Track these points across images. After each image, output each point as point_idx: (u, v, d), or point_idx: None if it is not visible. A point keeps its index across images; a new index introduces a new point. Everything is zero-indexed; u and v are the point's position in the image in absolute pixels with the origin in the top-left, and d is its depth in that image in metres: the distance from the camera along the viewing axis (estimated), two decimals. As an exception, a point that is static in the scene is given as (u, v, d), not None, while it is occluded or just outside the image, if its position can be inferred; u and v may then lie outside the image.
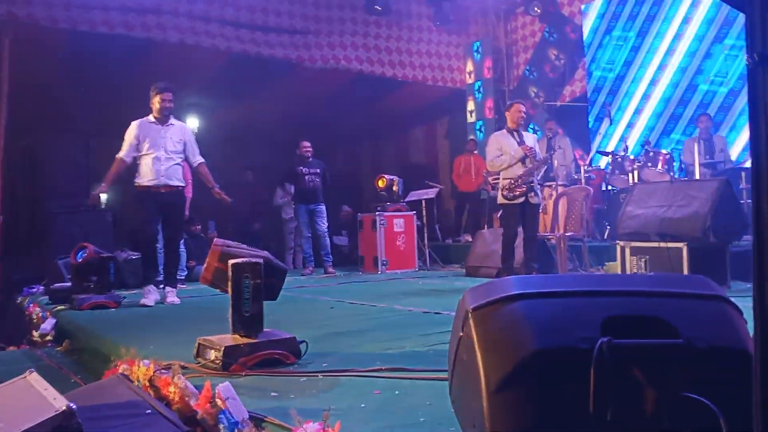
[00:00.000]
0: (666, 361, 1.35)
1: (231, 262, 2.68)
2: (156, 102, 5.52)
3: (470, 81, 11.64)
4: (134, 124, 5.56)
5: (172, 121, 5.65)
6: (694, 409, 1.30)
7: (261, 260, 2.66)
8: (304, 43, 9.90)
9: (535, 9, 10.65)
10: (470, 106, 11.67)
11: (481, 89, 11.47)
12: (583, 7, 10.39)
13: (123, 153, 5.50)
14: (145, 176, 5.48)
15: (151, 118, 5.58)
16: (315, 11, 10.11)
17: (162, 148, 5.48)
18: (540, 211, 6.43)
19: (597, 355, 1.30)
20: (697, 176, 7.18)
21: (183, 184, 5.71)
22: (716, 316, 1.43)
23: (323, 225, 8.32)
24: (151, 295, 5.43)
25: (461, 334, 1.52)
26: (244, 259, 2.68)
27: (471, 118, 11.65)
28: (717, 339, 1.38)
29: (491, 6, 11.74)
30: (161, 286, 5.71)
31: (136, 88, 9.26)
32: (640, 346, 1.35)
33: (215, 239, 3.06)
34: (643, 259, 5.27)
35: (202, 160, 5.74)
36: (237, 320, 2.72)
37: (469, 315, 1.47)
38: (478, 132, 11.44)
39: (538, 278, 1.61)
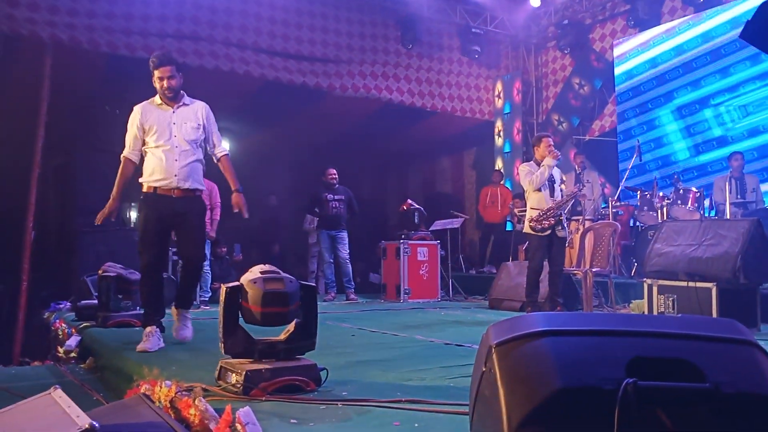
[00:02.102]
0: (692, 406, 1.32)
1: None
2: (155, 81, 4.17)
3: (499, 104, 11.72)
4: (136, 109, 4.21)
5: (186, 100, 4.27)
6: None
7: (235, 285, 2.82)
8: (336, 72, 10.06)
9: (566, 50, 10.78)
10: (498, 126, 11.74)
11: (510, 111, 11.55)
12: (614, 43, 10.41)
13: (127, 150, 4.21)
14: (152, 174, 4.15)
15: (156, 99, 4.24)
16: (348, 41, 10.29)
17: (173, 136, 4.15)
18: (566, 245, 6.38)
19: (622, 397, 1.28)
20: (728, 215, 7.07)
21: (202, 188, 4.36)
22: (745, 361, 1.41)
23: (345, 251, 8.34)
24: (151, 339, 4.11)
25: (484, 369, 1.51)
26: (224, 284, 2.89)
27: (499, 140, 11.71)
28: (745, 385, 1.35)
29: (522, 40, 11.83)
30: (170, 306, 4.45)
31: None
32: (666, 389, 1.33)
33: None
34: (670, 298, 5.18)
35: (226, 151, 4.40)
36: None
37: (493, 350, 1.46)
38: (505, 152, 11.52)
39: (563, 315, 1.59)
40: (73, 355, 4.95)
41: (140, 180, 4.21)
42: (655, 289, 5.33)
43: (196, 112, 4.26)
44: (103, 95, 8.84)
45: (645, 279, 5.52)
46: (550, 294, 6.08)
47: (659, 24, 9.62)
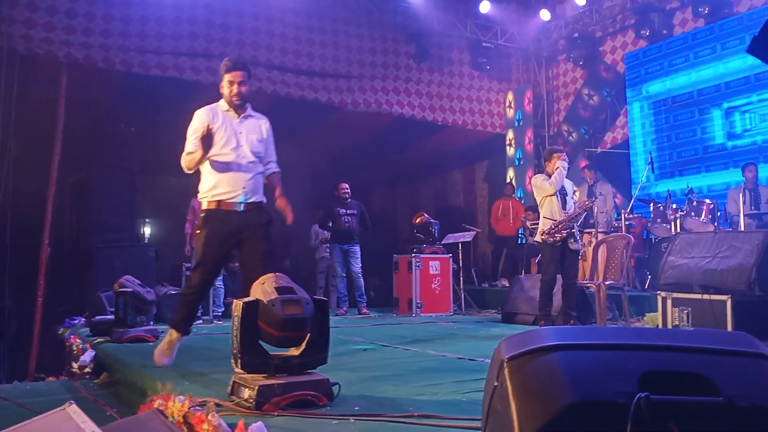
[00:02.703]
0: (706, 420, 1.32)
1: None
2: (224, 86, 3.94)
3: (510, 114, 11.77)
4: (201, 112, 3.93)
5: (250, 111, 4.04)
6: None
7: (252, 301, 2.80)
8: (347, 87, 10.14)
9: (580, 62, 10.79)
10: (509, 136, 11.78)
11: (522, 120, 11.59)
12: (625, 55, 10.41)
13: (193, 146, 3.83)
14: (216, 187, 3.87)
15: (222, 104, 3.99)
16: (359, 56, 10.37)
17: (240, 146, 3.89)
18: (579, 257, 6.35)
19: (635, 411, 1.28)
20: (742, 227, 7.01)
21: (264, 201, 4.03)
22: (758, 374, 1.40)
23: (357, 265, 8.36)
24: (174, 350, 4.05)
25: (496, 383, 1.51)
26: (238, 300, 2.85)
27: (510, 150, 11.74)
28: (759, 398, 1.34)
29: (532, 53, 11.86)
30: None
31: (183, 128, 9.63)
32: (679, 403, 1.32)
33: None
34: (685, 311, 5.14)
35: (278, 169, 4.16)
36: (232, 353, 2.88)
37: (505, 365, 1.46)
38: (516, 161, 11.54)
39: (575, 329, 1.59)
40: (87, 370, 4.99)
41: (199, 195, 3.94)
42: (669, 302, 5.29)
43: (260, 125, 4.04)
44: (117, 113, 8.96)
45: (659, 292, 5.48)
46: (563, 307, 6.05)
47: (672, 36, 9.61)
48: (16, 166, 7.48)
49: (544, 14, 10.96)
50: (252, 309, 2.82)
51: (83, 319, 6.90)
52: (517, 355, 1.45)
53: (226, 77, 3.90)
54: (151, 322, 5.96)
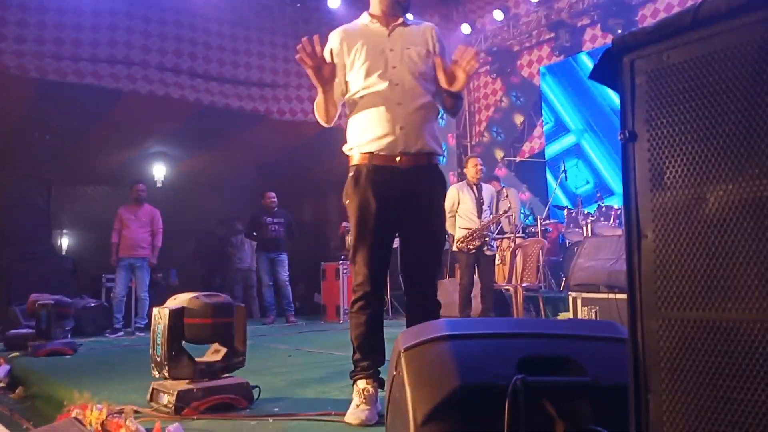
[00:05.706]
0: (575, 397, 1.49)
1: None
2: None
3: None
4: (333, 34, 2.85)
5: (408, 19, 2.85)
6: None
7: (179, 307, 2.83)
8: (273, 96, 10.16)
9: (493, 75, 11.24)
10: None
11: (444, 117, 11.90)
12: (540, 68, 10.91)
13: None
14: (365, 132, 2.70)
15: (365, 16, 2.84)
16: (285, 65, 10.41)
17: (393, 69, 2.69)
18: (499, 262, 6.63)
19: (511, 391, 1.44)
20: (647, 231, 7.47)
21: (440, 151, 2.87)
22: (621, 357, 1.58)
23: (284, 274, 8.39)
24: (372, 404, 2.53)
25: (394, 373, 1.65)
26: (161, 307, 2.88)
27: None
28: (621, 377, 1.53)
29: (454, 65, 12.22)
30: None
31: (101, 136, 9.41)
32: (552, 383, 1.50)
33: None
34: (593, 310, 5.46)
35: None
36: (153, 362, 2.91)
37: (401, 355, 1.60)
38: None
39: (467, 321, 1.75)
40: (1, 385, 4.84)
41: (347, 149, 2.80)
42: (579, 301, 5.61)
43: (423, 33, 2.80)
44: (31, 121, 8.67)
45: (570, 292, 5.80)
46: (483, 309, 6.30)
47: (580, 51, 10.15)
48: None
49: (465, 28, 11.34)
50: (178, 315, 2.85)
51: (-3, 333, 6.65)
52: (412, 346, 1.59)
53: None
54: (69, 335, 5.83)
